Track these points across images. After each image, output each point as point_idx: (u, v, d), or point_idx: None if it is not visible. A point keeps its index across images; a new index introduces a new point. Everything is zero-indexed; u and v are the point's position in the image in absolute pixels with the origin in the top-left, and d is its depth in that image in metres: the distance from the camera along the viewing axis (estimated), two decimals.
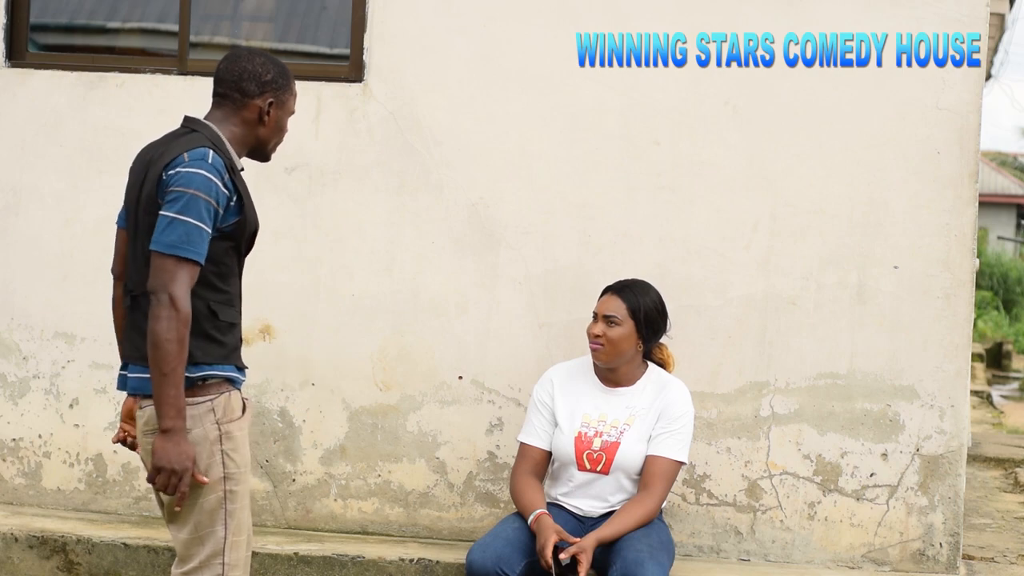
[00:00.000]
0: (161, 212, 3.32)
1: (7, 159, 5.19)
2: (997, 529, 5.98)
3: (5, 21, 5.24)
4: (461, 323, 4.97)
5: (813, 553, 4.84)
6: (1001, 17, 11.01)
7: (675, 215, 4.85)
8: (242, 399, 3.49)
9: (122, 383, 3.51)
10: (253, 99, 3.50)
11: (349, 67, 5.05)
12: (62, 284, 5.15)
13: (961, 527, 4.81)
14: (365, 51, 5.01)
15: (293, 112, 3.61)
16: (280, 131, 3.58)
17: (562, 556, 4.16)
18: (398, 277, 4.99)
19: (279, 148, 3.66)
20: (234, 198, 3.41)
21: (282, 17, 5.49)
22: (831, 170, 4.78)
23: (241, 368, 3.52)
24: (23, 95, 5.19)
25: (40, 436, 5.20)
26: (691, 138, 4.84)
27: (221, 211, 3.37)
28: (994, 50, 12.79)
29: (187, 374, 3.37)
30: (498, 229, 4.94)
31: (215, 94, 3.54)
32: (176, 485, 3.31)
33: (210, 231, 3.34)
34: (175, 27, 5.21)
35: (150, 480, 3.34)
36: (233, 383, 3.47)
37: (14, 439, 5.22)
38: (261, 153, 3.60)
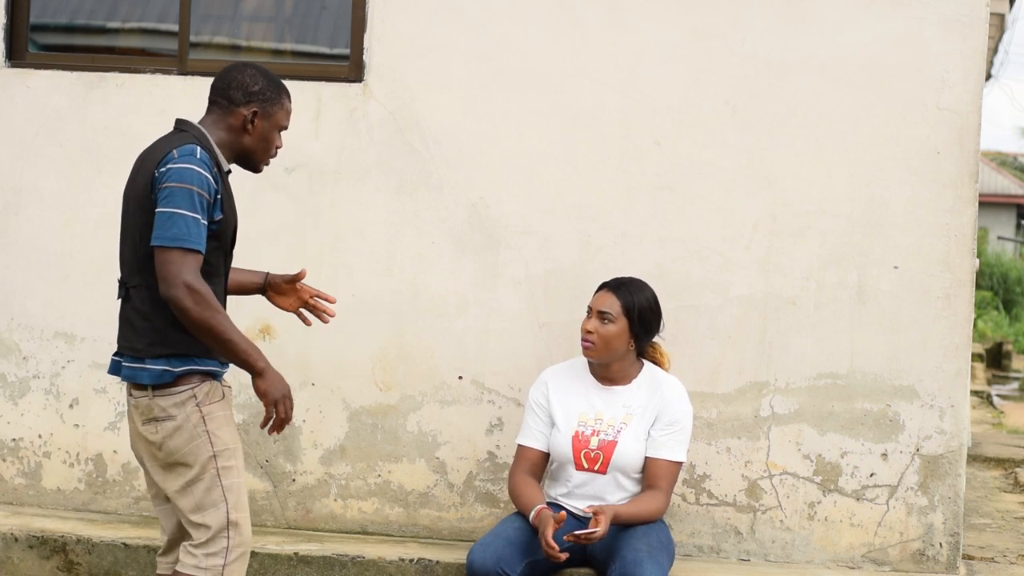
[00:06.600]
0: (158, 209, 3.49)
1: (7, 159, 5.19)
2: (997, 529, 5.98)
3: (5, 21, 5.24)
4: (461, 323, 4.96)
5: (813, 553, 4.83)
6: (1001, 17, 11.02)
7: (675, 215, 4.85)
8: (221, 388, 3.66)
9: (115, 368, 3.67)
10: (238, 107, 3.69)
11: (349, 67, 5.05)
12: (62, 284, 5.15)
13: (961, 527, 4.81)
14: (365, 51, 5.01)
15: (284, 127, 3.77)
16: (267, 142, 3.74)
17: (586, 527, 4.18)
18: (398, 277, 4.99)
19: (278, 152, 3.83)
20: (219, 194, 3.58)
21: (282, 17, 5.49)
22: (831, 170, 4.78)
23: (223, 363, 3.67)
24: (23, 95, 5.19)
25: (40, 436, 5.20)
26: (691, 138, 4.84)
27: (211, 201, 3.53)
28: (994, 50, 12.80)
29: (169, 368, 3.55)
30: (498, 229, 4.94)
31: (208, 100, 3.74)
32: (289, 407, 3.58)
33: (205, 222, 3.51)
34: (175, 27, 5.21)
35: (268, 418, 3.58)
36: (214, 376, 3.64)
37: (14, 439, 5.22)
38: (249, 162, 3.77)
